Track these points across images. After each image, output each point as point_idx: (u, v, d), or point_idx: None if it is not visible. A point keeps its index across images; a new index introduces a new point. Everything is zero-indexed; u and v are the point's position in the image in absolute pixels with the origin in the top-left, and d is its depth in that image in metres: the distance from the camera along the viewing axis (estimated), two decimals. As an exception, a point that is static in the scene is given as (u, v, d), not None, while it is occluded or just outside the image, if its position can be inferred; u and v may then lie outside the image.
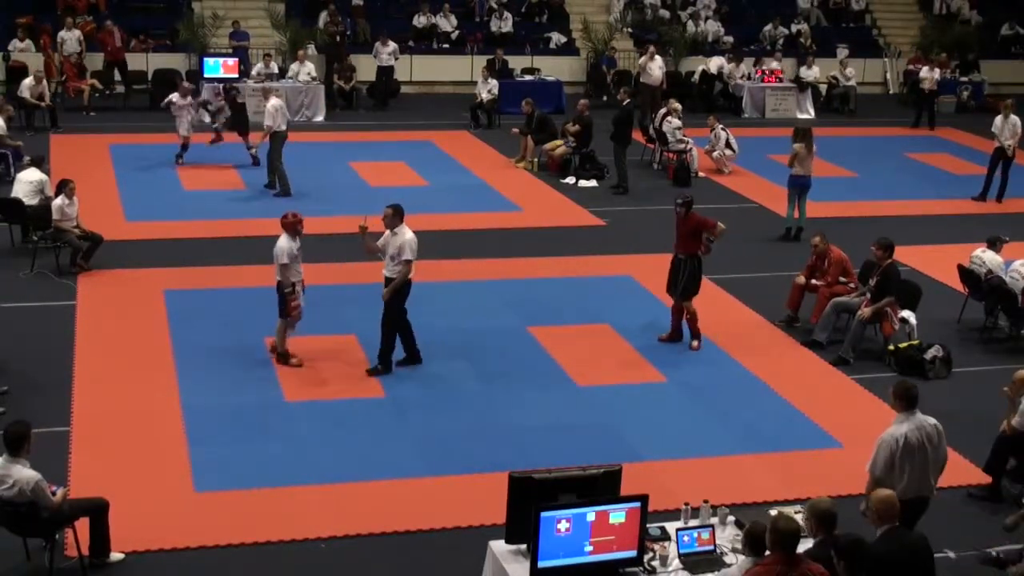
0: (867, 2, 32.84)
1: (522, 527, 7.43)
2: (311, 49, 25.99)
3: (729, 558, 7.70)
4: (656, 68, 25.29)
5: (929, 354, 12.83)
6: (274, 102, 18.58)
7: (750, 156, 21.72)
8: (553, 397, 11.88)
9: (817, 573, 6.77)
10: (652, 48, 25.91)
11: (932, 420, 8.49)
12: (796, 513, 7.75)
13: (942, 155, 23.94)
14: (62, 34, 24.85)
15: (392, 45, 26.36)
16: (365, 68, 26.42)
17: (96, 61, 25.39)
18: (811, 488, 9.57)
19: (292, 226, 11.95)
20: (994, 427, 10.31)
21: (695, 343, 13.18)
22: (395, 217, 11.86)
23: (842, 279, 13.74)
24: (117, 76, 25.31)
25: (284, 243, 11.85)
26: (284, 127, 18.60)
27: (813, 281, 13.83)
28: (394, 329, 12.10)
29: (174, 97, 20.22)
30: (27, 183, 15.45)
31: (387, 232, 11.94)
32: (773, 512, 8.11)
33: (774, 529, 6.78)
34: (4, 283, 14.33)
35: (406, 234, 11.84)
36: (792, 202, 17.48)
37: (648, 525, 7.68)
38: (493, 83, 24.93)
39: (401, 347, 12.32)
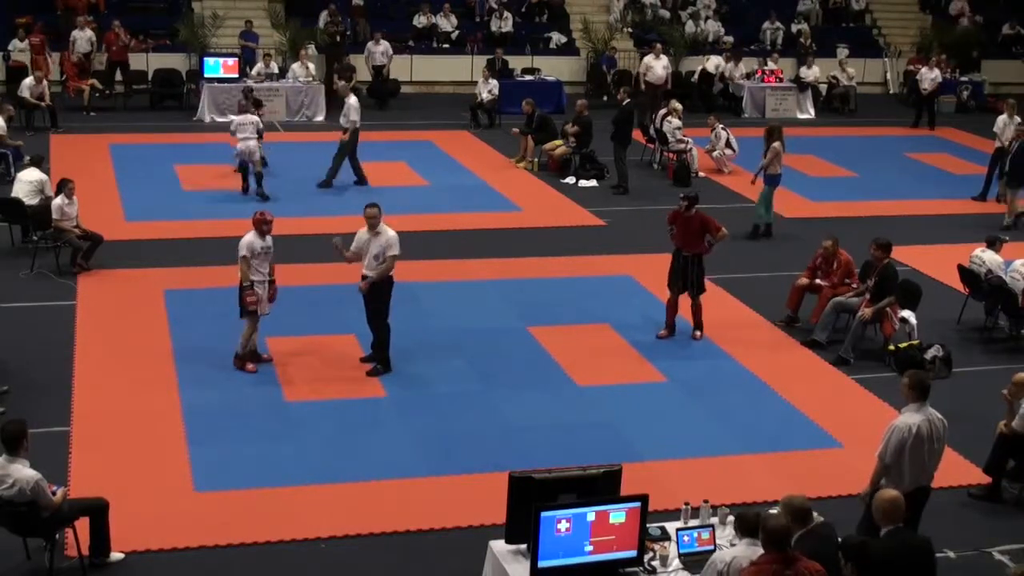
0: (867, 2, 32.83)
1: (522, 527, 7.43)
2: (311, 49, 25.99)
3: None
4: (660, 67, 25.32)
5: (929, 354, 12.83)
6: (355, 99, 18.91)
7: (750, 156, 21.65)
8: (553, 397, 11.88)
9: (813, 571, 6.77)
10: (658, 47, 25.95)
11: (938, 414, 8.56)
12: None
13: (942, 155, 23.93)
14: (75, 33, 24.92)
15: (384, 44, 26.39)
16: (365, 68, 26.42)
17: (98, 61, 25.42)
18: (811, 488, 9.55)
19: (261, 224, 11.88)
20: (994, 427, 10.31)
21: (698, 333, 13.30)
22: (374, 218, 11.83)
23: (846, 280, 13.74)
24: (118, 76, 25.30)
25: (248, 237, 11.82)
26: (358, 123, 19.14)
27: (817, 281, 13.82)
28: (386, 325, 12.08)
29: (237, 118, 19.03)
30: (27, 183, 15.46)
31: (364, 233, 11.90)
32: (772, 512, 8.14)
33: (764, 528, 6.81)
34: (4, 283, 14.33)
35: (389, 232, 11.85)
36: (770, 200, 17.45)
37: (648, 525, 7.68)
38: (493, 83, 24.93)
39: (370, 345, 12.35)
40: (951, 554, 9.19)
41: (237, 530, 9.20)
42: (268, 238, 11.95)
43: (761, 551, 7.06)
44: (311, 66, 24.94)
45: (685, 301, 13.36)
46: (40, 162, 16.38)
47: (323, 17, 27.00)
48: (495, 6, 29.41)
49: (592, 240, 17.23)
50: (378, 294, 11.96)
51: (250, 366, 12.04)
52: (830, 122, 26.94)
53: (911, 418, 8.42)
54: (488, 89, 24.83)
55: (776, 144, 17.14)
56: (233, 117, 19.15)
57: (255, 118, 18.87)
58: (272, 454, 10.42)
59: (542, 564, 7.32)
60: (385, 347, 12.15)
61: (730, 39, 29.80)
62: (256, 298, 11.87)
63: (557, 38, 29.38)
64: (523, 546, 7.59)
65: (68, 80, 24.47)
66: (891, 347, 12.98)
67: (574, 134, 20.66)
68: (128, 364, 12.16)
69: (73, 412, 11.03)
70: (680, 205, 13.06)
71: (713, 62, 27.75)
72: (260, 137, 18.81)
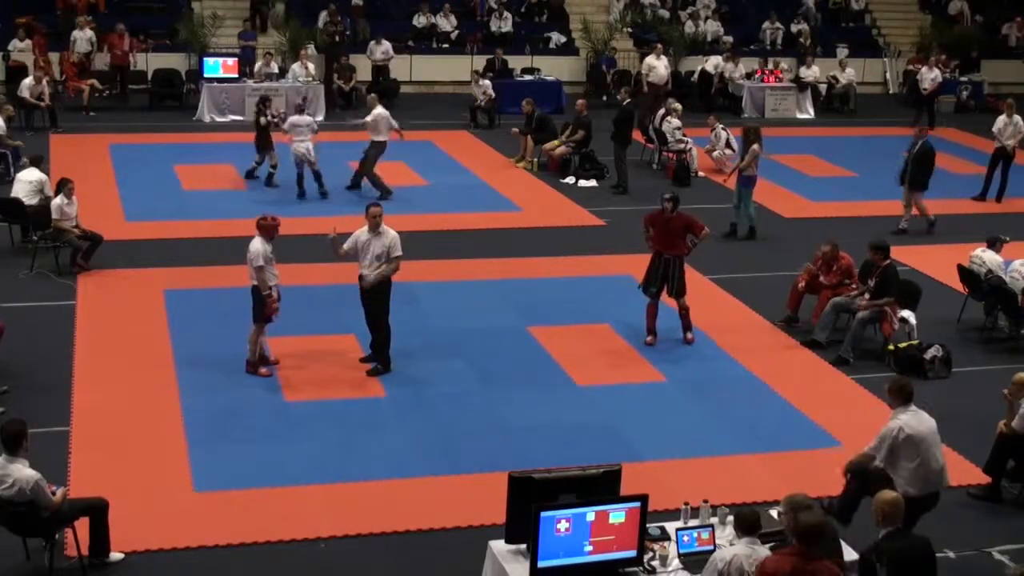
0: (867, 2, 32.84)
1: (522, 527, 7.43)
2: (311, 49, 26.01)
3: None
4: (662, 67, 25.35)
5: (929, 354, 12.83)
6: (378, 111, 18.41)
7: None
8: (553, 397, 11.88)
9: (831, 572, 6.79)
10: (659, 47, 25.96)
11: (926, 414, 8.68)
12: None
13: (942, 155, 23.70)
14: (75, 33, 24.94)
15: (385, 44, 26.39)
16: (364, 68, 26.44)
17: (99, 62, 25.41)
18: (811, 488, 9.53)
19: (269, 229, 11.76)
20: (994, 427, 10.31)
21: (689, 335, 13.27)
22: (376, 218, 11.80)
23: (845, 281, 13.72)
24: (109, 77, 25.29)
25: (259, 246, 11.66)
26: (383, 137, 18.48)
27: (820, 279, 13.77)
28: (387, 325, 12.08)
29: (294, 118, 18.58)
30: (27, 183, 15.46)
31: (364, 233, 11.87)
32: (772, 512, 8.15)
33: (798, 522, 6.85)
34: (4, 283, 14.33)
35: (391, 232, 11.86)
36: (747, 201, 17.39)
37: (648, 525, 7.69)
38: (486, 83, 24.91)
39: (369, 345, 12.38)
40: (951, 554, 9.19)
41: (237, 530, 9.20)
42: (271, 241, 11.90)
43: (760, 549, 7.08)
44: (310, 66, 24.94)
45: (671, 302, 13.33)
46: (40, 162, 16.38)
47: (323, 17, 27.03)
48: (495, 6, 29.42)
49: (592, 240, 17.23)
50: (378, 294, 11.97)
51: (263, 370, 12.03)
52: (830, 122, 26.94)
53: (896, 422, 8.52)
54: (482, 91, 24.83)
55: (755, 146, 17.08)
56: (292, 118, 18.53)
57: (310, 119, 18.57)
58: (272, 454, 10.42)
59: (542, 564, 7.32)
60: (385, 347, 12.16)
61: (730, 39, 29.81)
62: (277, 305, 11.84)
63: (557, 38, 29.39)
64: (523, 546, 7.59)
65: (68, 80, 24.46)
66: (891, 347, 12.98)
67: (577, 140, 20.64)
68: (128, 364, 12.16)
69: (73, 412, 11.03)
70: (665, 207, 13.01)
71: (712, 62, 27.76)
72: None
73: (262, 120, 18.95)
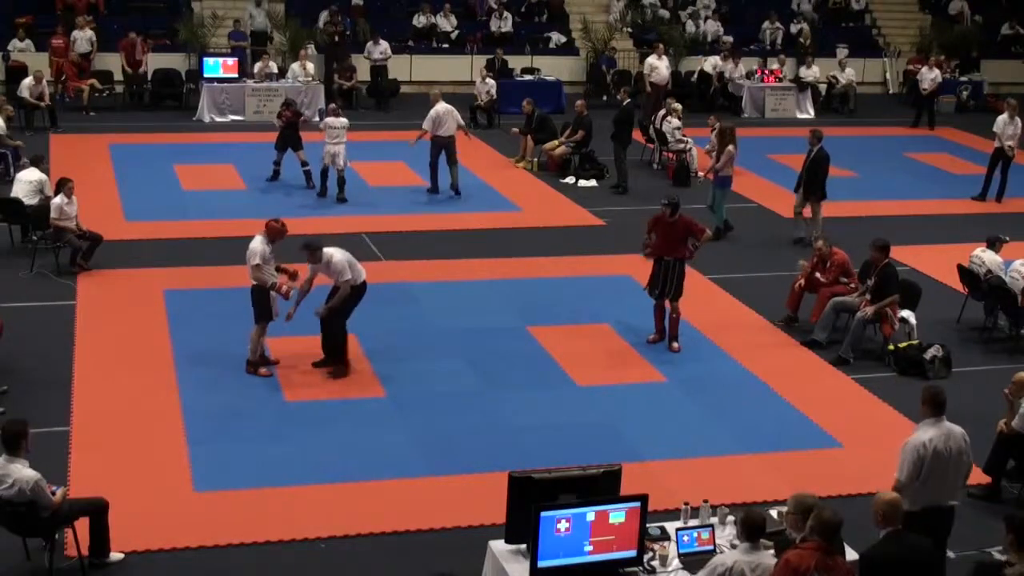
0: (867, 2, 32.85)
1: (522, 527, 7.43)
2: (311, 49, 26.00)
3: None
4: (664, 67, 25.35)
5: (929, 354, 12.83)
6: (437, 108, 18.08)
7: (750, 156, 21.67)
8: (553, 397, 11.88)
9: (845, 570, 6.82)
10: (660, 47, 25.98)
11: (959, 428, 8.39)
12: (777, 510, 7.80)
13: (942, 155, 23.94)
14: (75, 33, 24.93)
15: (383, 44, 26.39)
16: (363, 68, 26.44)
17: (100, 62, 25.41)
18: (811, 488, 9.51)
19: (276, 232, 11.75)
20: (994, 427, 10.31)
21: (676, 344, 13.15)
22: (315, 254, 11.68)
23: (843, 279, 13.73)
24: (125, 81, 25.27)
25: (258, 245, 11.65)
26: (443, 132, 18.25)
27: (816, 275, 13.76)
28: (343, 329, 12.01)
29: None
30: (27, 183, 15.47)
31: (314, 267, 11.84)
32: (772, 512, 8.14)
33: (819, 517, 6.84)
34: (4, 283, 14.33)
35: (334, 257, 11.72)
36: (719, 202, 17.31)
37: (648, 525, 7.69)
38: (491, 83, 24.92)
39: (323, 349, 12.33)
40: (951, 554, 9.18)
41: (237, 530, 9.20)
42: (272, 244, 11.88)
43: (763, 555, 7.06)
44: (309, 66, 24.92)
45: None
46: (40, 162, 16.38)
47: (323, 17, 27.03)
48: (495, 6, 29.42)
49: (592, 240, 17.23)
50: (339, 308, 11.93)
51: (263, 370, 12.02)
52: (830, 122, 26.86)
53: (925, 433, 8.23)
54: (486, 90, 24.84)
55: (730, 147, 17.07)
56: (328, 119, 18.24)
57: (345, 121, 18.27)
58: (272, 454, 10.42)
59: (542, 564, 7.32)
60: (342, 350, 12.06)
61: (729, 39, 29.80)
62: (277, 306, 11.79)
63: (557, 38, 29.38)
64: (523, 546, 7.59)
65: (67, 80, 24.45)
66: (891, 347, 12.98)
67: (577, 140, 20.63)
68: (128, 364, 12.16)
69: (73, 412, 11.03)
70: (663, 211, 13.00)
71: (710, 63, 27.78)
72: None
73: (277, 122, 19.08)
